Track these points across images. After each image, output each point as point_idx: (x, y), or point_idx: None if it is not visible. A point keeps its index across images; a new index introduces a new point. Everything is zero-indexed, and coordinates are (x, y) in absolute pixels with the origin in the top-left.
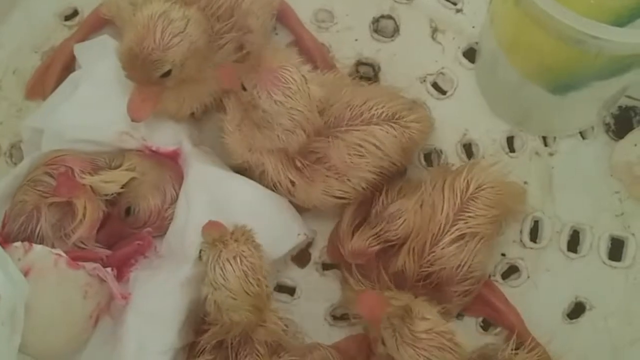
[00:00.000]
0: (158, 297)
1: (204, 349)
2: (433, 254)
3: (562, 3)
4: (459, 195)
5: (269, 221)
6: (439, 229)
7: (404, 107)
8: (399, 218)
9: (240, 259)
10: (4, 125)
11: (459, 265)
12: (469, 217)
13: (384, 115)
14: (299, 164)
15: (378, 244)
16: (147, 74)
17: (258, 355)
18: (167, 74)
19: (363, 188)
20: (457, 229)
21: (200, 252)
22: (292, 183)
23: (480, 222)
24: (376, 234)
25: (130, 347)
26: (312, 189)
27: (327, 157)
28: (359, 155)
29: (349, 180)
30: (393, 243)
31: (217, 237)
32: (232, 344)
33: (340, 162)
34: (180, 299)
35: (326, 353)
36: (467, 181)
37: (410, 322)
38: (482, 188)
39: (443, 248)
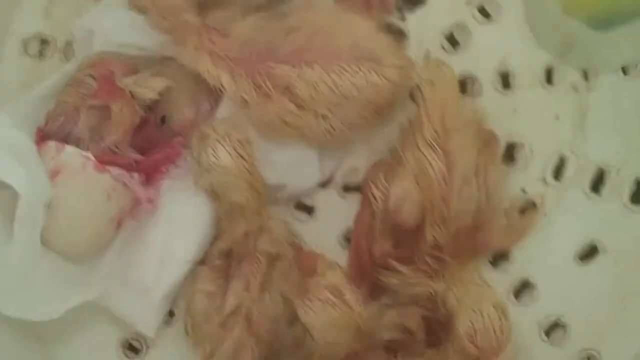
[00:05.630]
0: (189, 207)
1: (212, 255)
2: (453, 211)
3: None
4: (437, 145)
5: (295, 167)
6: (442, 187)
7: (385, 47)
8: (405, 203)
9: (229, 137)
10: (63, 23)
11: (477, 199)
12: (459, 154)
13: (363, 55)
14: (259, 81)
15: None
16: None
17: (257, 264)
18: None
19: (325, 131)
20: (457, 175)
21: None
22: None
23: (468, 152)
24: (386, 230)
25: (156, 251)
26: (269, 107)
27: (291, 86)
28: (329, 93)
29: (307, 112)
30: (413, 225)
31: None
32: (238, 253)
33: (306, 94)
34: (209, 211)
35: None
36: (432, 127)
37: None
38: (446, 123)
39: (457, 199)
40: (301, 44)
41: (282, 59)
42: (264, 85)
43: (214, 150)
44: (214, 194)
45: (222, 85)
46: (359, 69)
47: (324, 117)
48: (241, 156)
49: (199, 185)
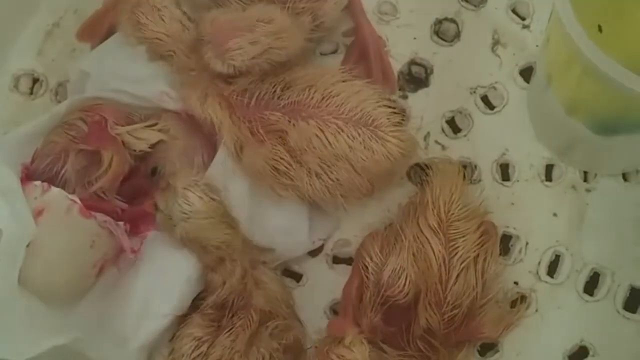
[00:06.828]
0: (173, 261)
1: (207, 305)
2: (449, 296)
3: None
4: (439, 230)
5: (284, 233)
6: (442, 271)
7: (388, 118)
8: (399, 278)
9: (195, 185)
10: (56, 63)
11: (474, 287)
12: (460, 242)
13: (364, 121)
14: (254, 128)
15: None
16: None
17: (249, 321)
18: None
19: (317, 189)
20: (458, 261)
21: (155, 208)
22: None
23: (469, 241)
24: (376, 303)
25: (136, 302)
26: (261, 151)
27: (284, 134)
28: (323, 150)
29: (300, 165)
30: (404, 302)
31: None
32: (232, 305)
33: (298, 145)
34: (194, 267)
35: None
36: (437, 214)
37: (334, 346)
38: (451, 212)
39: (455, 284)
40: (299, 98)
41: (278, 109)
42: (257, 133)
43: (185, 199)
44: (197, 244)
45: (222, 127)
46: (358, 133)
47: (317, 174)
48: (212, 198)
49: (177, 238)
